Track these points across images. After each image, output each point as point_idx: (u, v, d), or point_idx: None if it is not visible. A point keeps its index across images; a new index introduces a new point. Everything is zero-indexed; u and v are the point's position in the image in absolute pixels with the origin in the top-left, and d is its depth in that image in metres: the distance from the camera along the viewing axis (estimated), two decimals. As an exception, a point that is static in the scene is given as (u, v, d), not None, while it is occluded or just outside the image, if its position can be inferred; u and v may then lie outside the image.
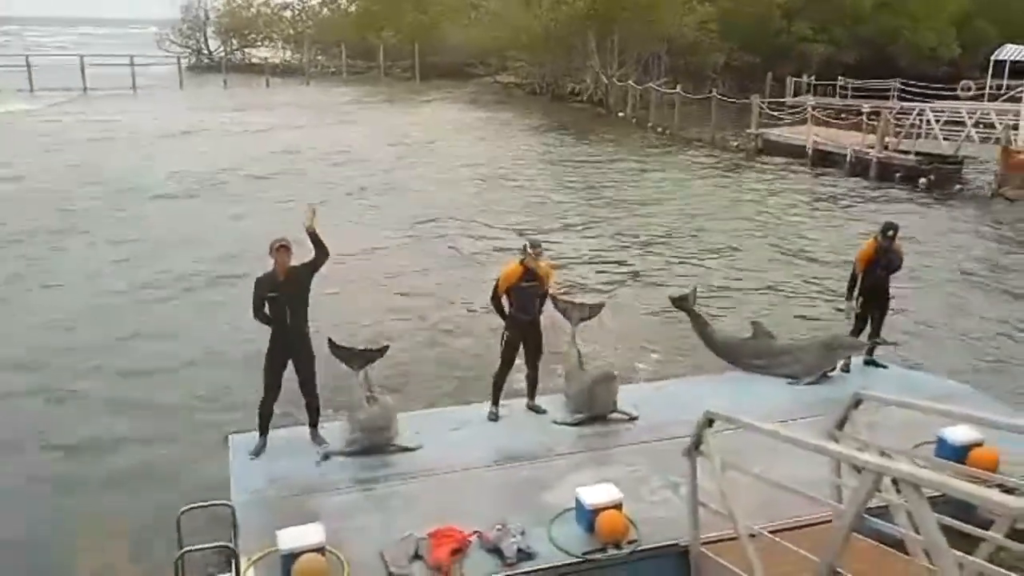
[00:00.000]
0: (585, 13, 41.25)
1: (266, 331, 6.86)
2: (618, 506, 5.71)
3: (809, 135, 25.87)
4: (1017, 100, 22.26)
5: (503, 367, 7.59)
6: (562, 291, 10.22)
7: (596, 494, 5.77)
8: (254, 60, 63.88)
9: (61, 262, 14.83)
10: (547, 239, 16.02)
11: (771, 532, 4.97)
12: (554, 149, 29.11)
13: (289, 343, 6.79)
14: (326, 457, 6.84)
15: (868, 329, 8.61)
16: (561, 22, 41.67)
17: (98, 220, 17.65)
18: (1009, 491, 4.76)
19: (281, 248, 6.60)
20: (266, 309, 6.74)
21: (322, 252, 6.67)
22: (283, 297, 6.67)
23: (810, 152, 25.40)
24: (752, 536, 4.81)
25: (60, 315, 12.05)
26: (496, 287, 7.42)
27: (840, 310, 9.64)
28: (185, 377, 9.97)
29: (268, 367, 6.86)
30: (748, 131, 28.83)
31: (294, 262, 6.68)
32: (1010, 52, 34.96)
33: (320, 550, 5.19)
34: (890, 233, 8.28)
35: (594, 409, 7.46)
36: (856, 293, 8.58)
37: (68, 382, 9.87)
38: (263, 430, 7.00)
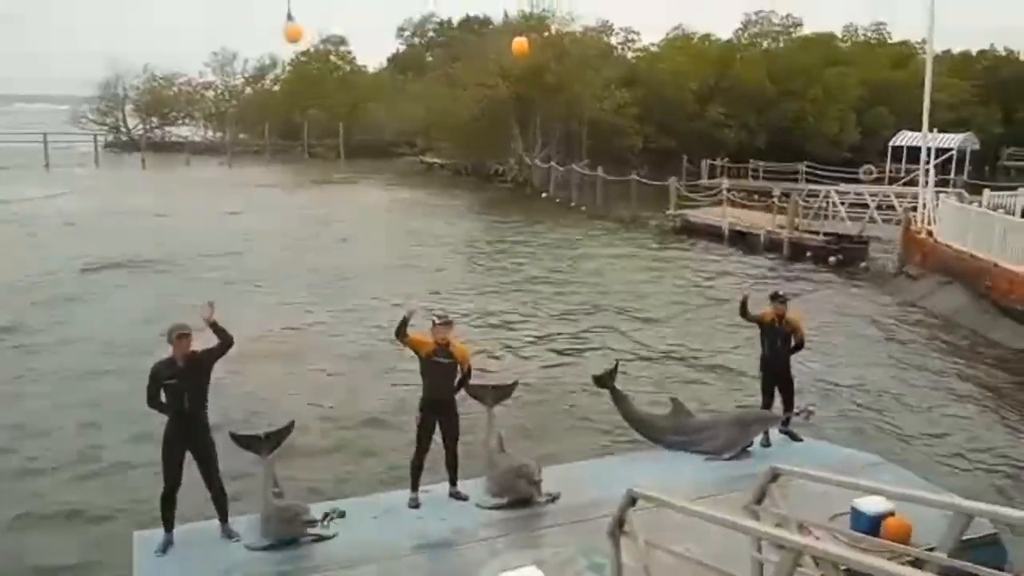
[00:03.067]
0: (507, 97, 42.48)
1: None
2: (542, 591, 5.56)
3: (725, 216, 26.89)
4: (915, 184, 23.69)
5: (419, 451, 7.41)
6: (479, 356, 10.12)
7: (519, 580, 5.61)
8: (174, 139, 63.28)
9: None
10: (472, 317, 16.32)
11: (696, 611, 4.92)
12: (479, 229, 29.44)
13: (187, 431, 6.54)
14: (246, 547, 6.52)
15: (778, 403, 8.85)
16: (484, 106, 42.76)
17: None
18: (920, 562, 4.87)
19: (182, 336, 6.46)
20: (162, 397, 6.50)
21: (226, 340, 6.55)
22: (182, 384, 6.46)
23: (727, 233, 26.37)
24: (676, 616, 4.75)
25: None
26: (406, 336, 7.21)
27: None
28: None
29: (167, 457, 6.56)
30: (667, 212, 29.81)
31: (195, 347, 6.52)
32: (906, 138, 37.45)
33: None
34: (780, 299, 8.69)
35: (516, 494, 7.34)
36: (759, 368, 8.89)
37: None
38: (168, 526, 6.64)
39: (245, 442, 7.31)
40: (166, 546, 6.58)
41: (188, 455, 6.61)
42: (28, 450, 10.02)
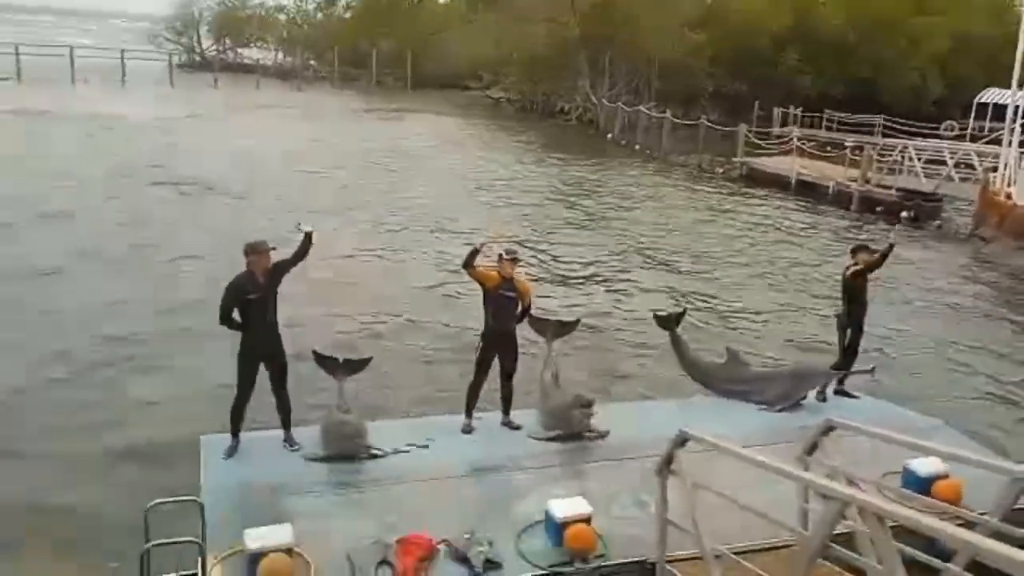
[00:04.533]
0: (576, 33, 41.59)
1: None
2: (587, 520, 5.73)
3: (794, 166, 26.20)
4: (998, 143, 22.66)
5: (477, 378, 7.57)
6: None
7: (566, 507, 5.79)
8: (246, 61, 63.79)
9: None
10: (534, 249, 16.41)
11: (737, 553, 5.02)
12: (543, 167, 29.24)
13: (265, 344, 6.78)
14: (304, 457, 6.83)
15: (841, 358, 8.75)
16: (553, 42, 41.97)
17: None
18: (970, 525, 4.85)
19: (263, 251, 6.65)
20: (235, 315, 6.70)
21: (305, 250, 6.76)
22: (262, 298, 6.67)
23: (794, 183, 25.71)
24: (718, 557, 4.86)
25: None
26: (473, 268, 7.33)
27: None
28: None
29: (241, 368, 6.82)
30: (734, 159, 29.16)
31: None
32: (993, 95, 35.65)
33: (287, 551, 5.17)
34: (867, 251, 8.49)
35: (568, 428, 7.48)
36: (839, 325, 8.73)
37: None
38: (235, 431, 6.96)
39: (324, 362, 7.58)
40: (231, 451, 6.91)
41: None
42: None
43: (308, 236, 6.71)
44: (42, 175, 20.79)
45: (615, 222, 20.72)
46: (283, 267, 6.75)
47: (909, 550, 3.95)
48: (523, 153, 32.41)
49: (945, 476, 6.42)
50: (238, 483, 6.46)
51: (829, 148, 28.53)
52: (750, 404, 8.52)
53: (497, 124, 41.31)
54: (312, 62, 63.10)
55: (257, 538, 5.19)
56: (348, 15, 65.63)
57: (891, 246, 8.35)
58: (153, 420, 8.89)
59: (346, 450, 6.88)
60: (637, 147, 34.35)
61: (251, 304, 6.67)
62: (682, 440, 5.21)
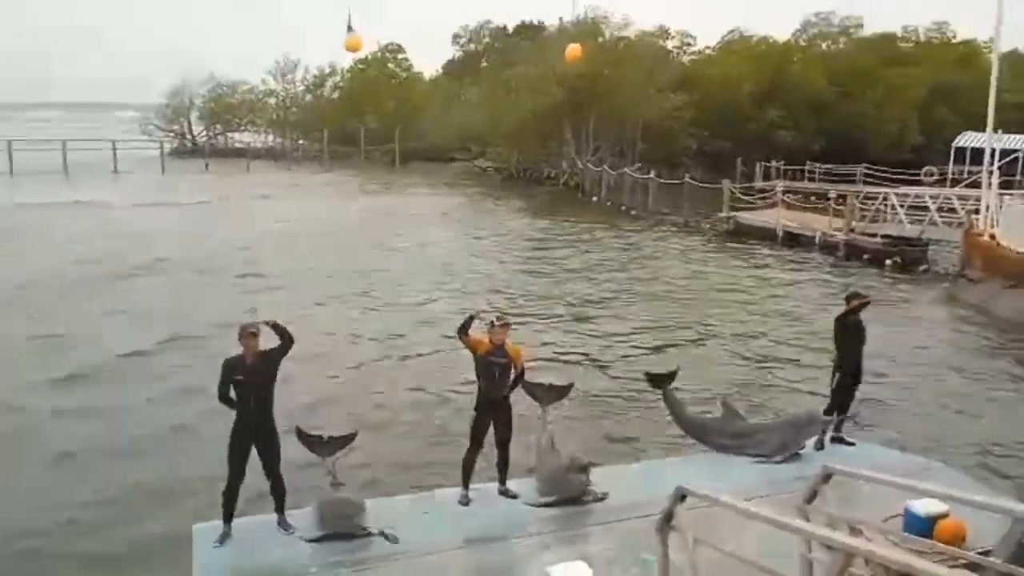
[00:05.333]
0: (560, 102, 42.54)
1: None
2: (589, 586, 5.63)
3: (779, 218, 26.55)
4: (977, 186, 23.05)
5: (472, 448, 7.52)
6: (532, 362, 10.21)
7: (567, 573, 5.69)
8: (236, 144, 64.97)
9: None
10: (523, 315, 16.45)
11: (742, 609, 4.93)
12: (530, 231, 29.54)
13: (255, 428, 6.76)
14: (300, 539, 6.73)
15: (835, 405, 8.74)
16: (538, 111, 42.90)
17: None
18: (975, 566, 4.80)
19: (250, 334, 6.71)
20: (231, 393, 6.74)
21: (288, 339, 6.81)
22: (251, 380, 6.69)
23: (780, 234, 26.02)
24: (722, 613, 4.77)
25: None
26: (467, 336, 7.40)
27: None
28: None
29: (233, 452, 6.78)
30: (720, 214, 29.55)
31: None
32: (970, 139, 36.40)
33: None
34: (859, 297, 8.60)
35: (566, 492, 7.41)
36: (834, 369, 8.76)
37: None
38: (227, 517, 6.86)
39: (308, 441, 7.54)
40: (223, 538, 6.79)
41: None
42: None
43: (276, 326, 6.77)
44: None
45: (605, 281, 20.86)
46: (273, 356, 6.80)
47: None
48: (511, 218, 32.79)
49: (946, 515, 6.37)
50: (232, 571, 6.34)
51: (813, 199, 28.99)
52: (748, 457, 8.47)
53: (485, 192, 41.88)
54: (301, 142, 64.34)
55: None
56: (336, 95, 67.11)
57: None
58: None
59: (343, 529, 6.78)
60: (623, 207, 34.80)
61: (240, 385, 6.70)
62: (681, 496, 5.17)
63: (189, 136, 66.59)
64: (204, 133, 66.59)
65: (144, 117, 65.80)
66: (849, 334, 8.63)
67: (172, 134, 65.31)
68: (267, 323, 6.82)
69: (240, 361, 6.72)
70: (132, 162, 49.25)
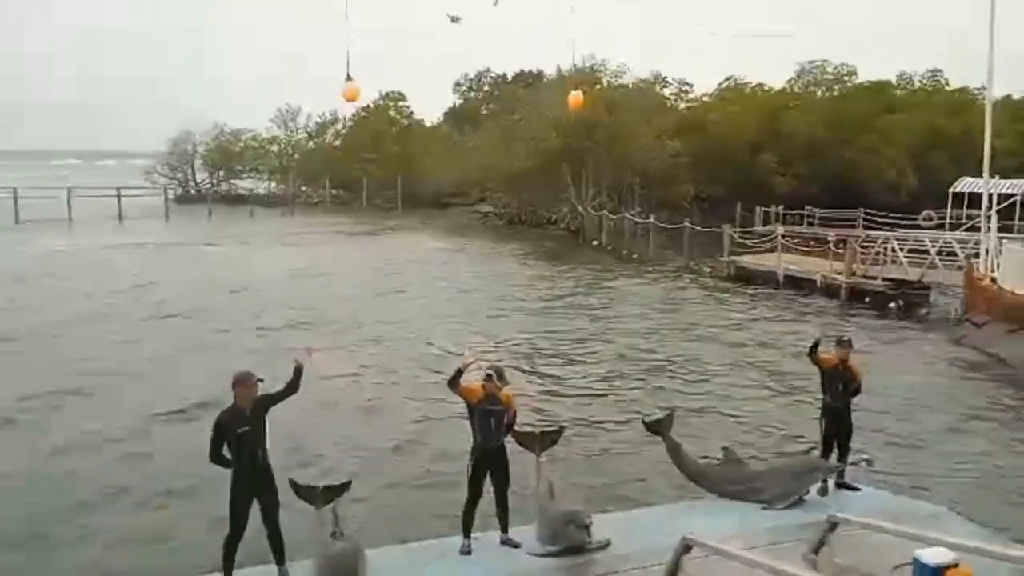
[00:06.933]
0: (560, 148, 43.00)
1: None
2: (594, 638, 5.55)
3: (780, 262, 26.65)
4: (976, 230, 23.17)
5: (471, 497, 7.45)
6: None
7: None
8: (240, 191, 65.46)
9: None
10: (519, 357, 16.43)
11: (749, 662, 4.85)
12: (531, 278, 29.58)
13: (257, 479, 6.63)
14: None
15: (835, 453, 8.69)
16: (538, 158, 43.33)
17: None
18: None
19: (251, 384, 6.57)
20: (225, 451, 6.58)
21: (295, 387, 6.71)
22: (253, 431, 6.55)
23: (781, 279, 26.09)
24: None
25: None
26: (457, 384, 7.31)
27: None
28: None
29: (234, 504, 6.63)
30: (721, 258, 29.68)
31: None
32: (967, 185, 36.64)
33: None
34: (845, 344, 8.60)
35: (567, 542, 7.31)
36: (821, 415, 8.73)
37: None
38: (227, 571, 6.75)
39: (302, 491, 7.45)
40: (226, 593, 6.69)
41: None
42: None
43: (298, 370, 6.67)
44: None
45: (604, 324, 20.86)
46: (270, 400, 6.67)
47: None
48: (512, 264, 32.90)
49: (955, 565, 6.28)
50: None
51: (812, 243, 29.10)
52: (752, 503, 8.39)
53: (486, 238, 42.07)
54: (304, 188, 64.84)
55: None
56: (338, 142, 67.82)
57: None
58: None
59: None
60: (624, 252, 34.94)
61: (240, 438, 6.54)
62: (687, 547, 5.14)
63: (193, 183, 67.15)
64: (207, 180, 67.20)
65: (149, 165, 66.45)
66: (836, 377, 8.62)
67: (176, 181, 65.88)
68: (298, 367, 6.65)
69: (238, 413, 6.57)
70: (133, 209, 49.61)
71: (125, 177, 58.41)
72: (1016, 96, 49.40)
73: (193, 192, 65.31)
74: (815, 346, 8.73)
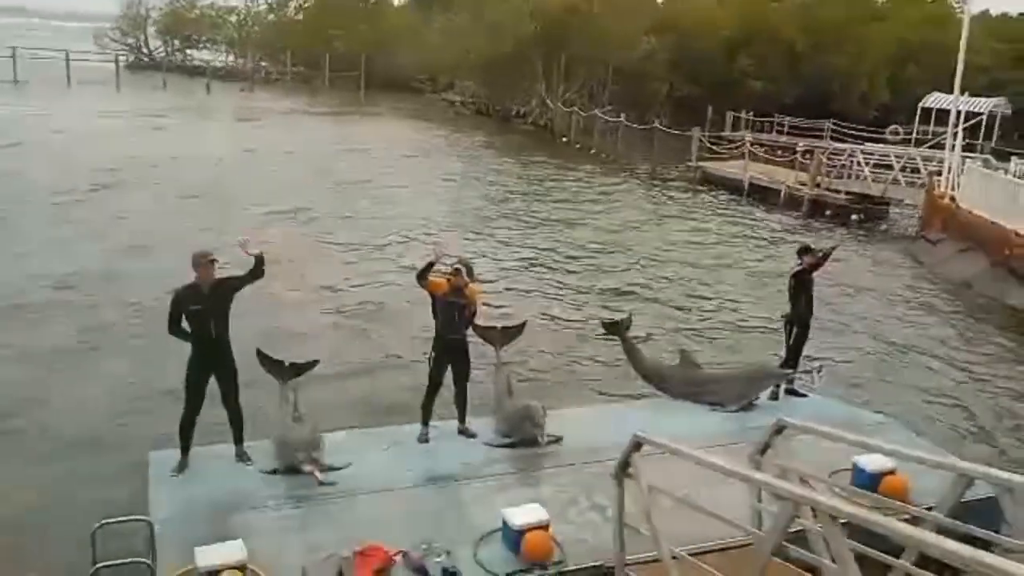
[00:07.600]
0: (533, 36, 41.70)
1: None
2: (545, 527, 5.73)
3: (746, 171, 26.63)
4: (942, 147, 23.29)
5: (431, 388, 7.56)
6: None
7: (523, 515, 5.79)
8: (196, 62, 62.63)
9: None
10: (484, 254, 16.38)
11: (694, 555, 5.06)
12: (498, 171, 29.18)
13: (212, 356, 6.64)
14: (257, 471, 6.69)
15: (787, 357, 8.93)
16: (509, 45, 42.01)
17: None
18: (918, 520, 4.97)
19: (209, 262, 6.52)
20: (184, 324, 6.57)
21: (258, 273, 6.64)
22: (208, 310, 6.52)
23: (746, 186, 26.13)
24: (675, 558, 4.89)
25: None
26: (426, 279, 7.32)
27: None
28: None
29: (189, 381, 6.68)
30: (688, 163, 29.54)
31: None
32: (937, 100, 36.59)
33: (241, 568, 5.07)
34: (813, 253, 8.76)
35: (522, 435, 7.48)
36: (785, 325, 8.90)
37: None
38: (185, 447, 6.80)
39: (268, 364, 7.46)
40: (181, 467, 6.76)
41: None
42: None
43: (260, 259, 6.60)
44: None
45: (569, 224, 20.79)
46: (233, 284, 6.63)
47: (860, 547, 4.03)
48: (480, 155, 32.34)
49: (892, 472, 6.57)
50: (188, 500, 6.31)
51: (780, 152, 29.06)
52: (704, 405, 8.62)
53: (454, 127, 41.05)
54: (264, 63, 62.25)
55: (208, 556, 5.09)
56: (300, 16, 64.78)
57: (833, 247, 8.68)
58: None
59: (301, 463, 6.76)
60: (592, 151, 34.53)
61: (196, 315, 6.53)
62: (637, 444, 5.24)
63: (146, 51, 63.98)
64: (161, 49, 64.05)
65: (96, 27, 62.89)
66: (803, 290, 8.76)
67: (127, 47, 62.65)
68: (255, 255, 6.58)
69: (194, 290, 6.53)
70: (85, 74, 47.18)
71: (72, 41, 55.10)
72: (994, 12, 49.00)
73: (146, 60, 62.31)
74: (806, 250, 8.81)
